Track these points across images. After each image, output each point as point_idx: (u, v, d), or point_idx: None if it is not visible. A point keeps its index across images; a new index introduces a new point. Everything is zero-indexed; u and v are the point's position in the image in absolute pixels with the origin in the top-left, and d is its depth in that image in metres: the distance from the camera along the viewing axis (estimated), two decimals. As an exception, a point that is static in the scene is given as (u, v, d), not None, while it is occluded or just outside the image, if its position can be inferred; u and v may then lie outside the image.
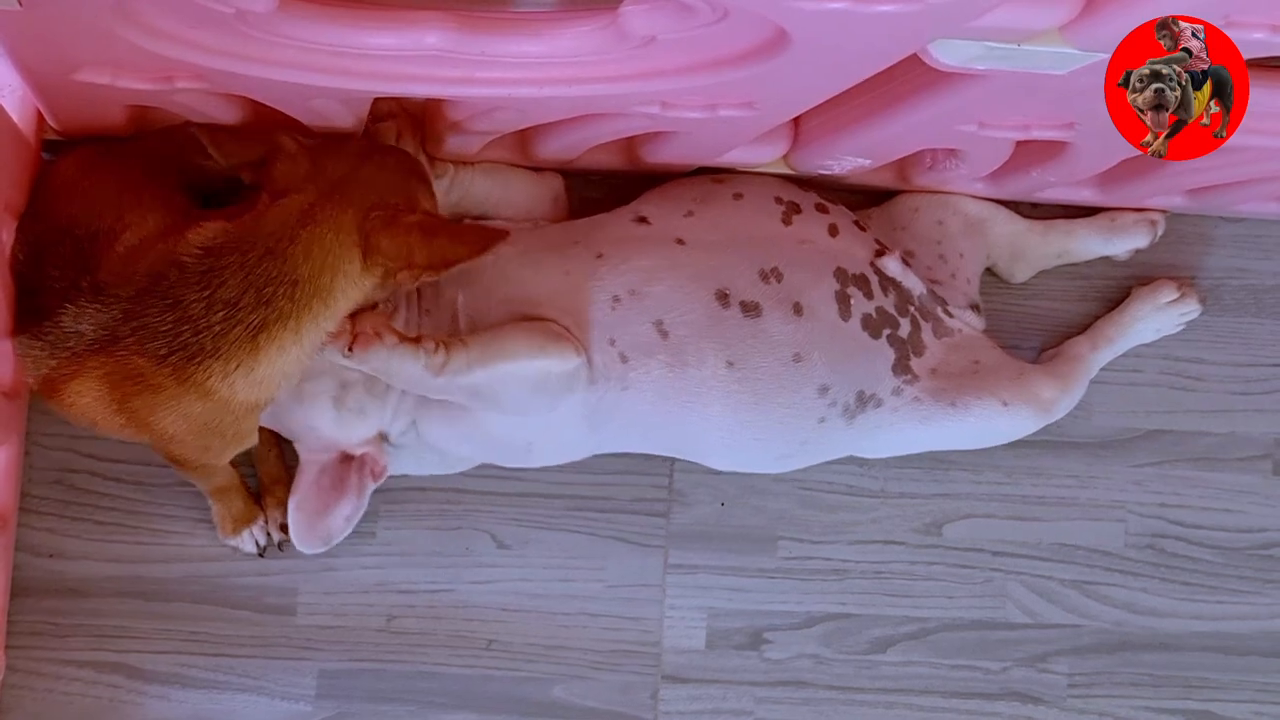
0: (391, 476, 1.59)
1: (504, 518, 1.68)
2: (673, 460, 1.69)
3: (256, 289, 1.31)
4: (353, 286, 1.34)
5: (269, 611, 1.65)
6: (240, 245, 1.32)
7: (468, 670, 1.67)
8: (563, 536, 1.69)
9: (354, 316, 1.38)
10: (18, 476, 1.60)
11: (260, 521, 1.62)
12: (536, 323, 1.48)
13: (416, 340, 1.42)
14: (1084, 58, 1.16)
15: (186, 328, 1.31)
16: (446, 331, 1.49)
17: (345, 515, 1.55)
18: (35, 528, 1.63)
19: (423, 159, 1.53)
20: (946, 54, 1.17)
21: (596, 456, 1.61)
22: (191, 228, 1.34)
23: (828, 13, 1.07)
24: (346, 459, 1.54)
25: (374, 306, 1.41)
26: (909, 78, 1.31)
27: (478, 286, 1.49)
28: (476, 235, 1.38)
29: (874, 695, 1.72)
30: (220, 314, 1.31)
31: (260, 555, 1.63)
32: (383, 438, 1.54)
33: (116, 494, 1.64)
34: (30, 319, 1.39)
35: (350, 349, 1.38)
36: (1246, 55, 1.18)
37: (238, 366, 1.32)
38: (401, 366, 1.41)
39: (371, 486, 1.55)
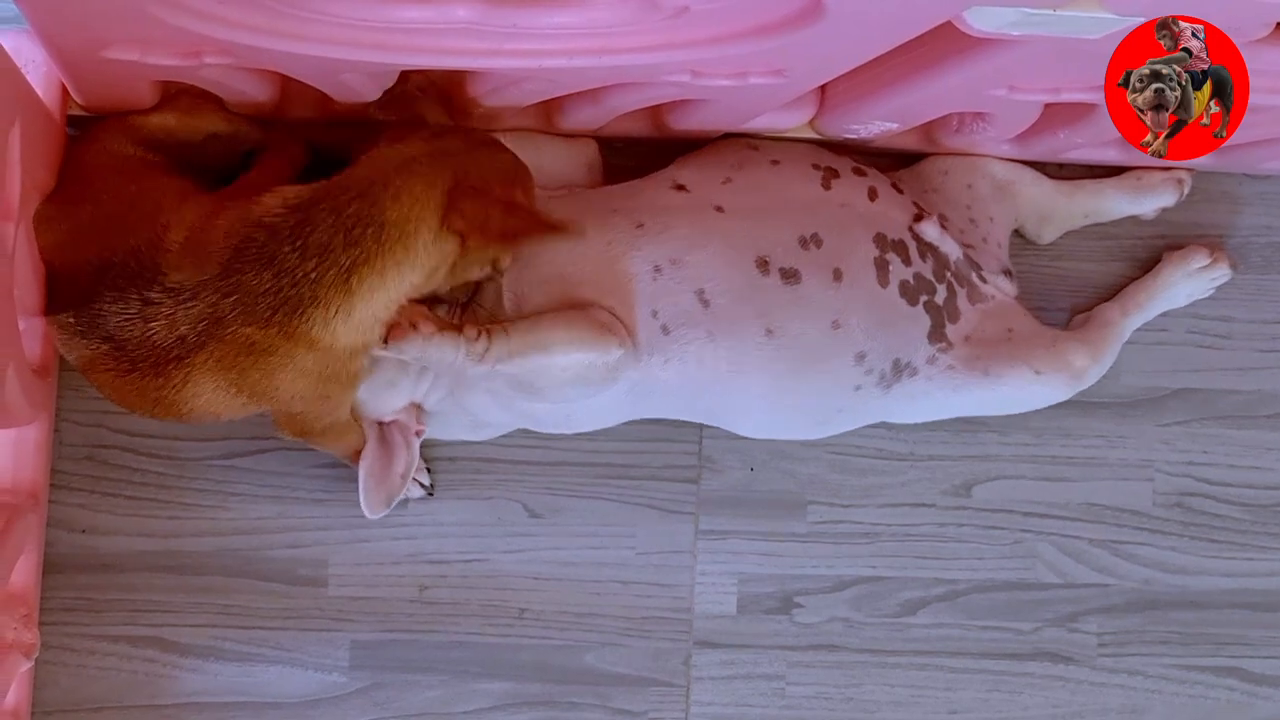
0: (423, 445, 1.59)
1: (535, 487, 1.68)
2: (702, 426, 1.69)
3: (346, 230, 1.33)
4: (431, 244, 1.35)
5: (301, 584, 1.66)
6: (333, 193, 1.35)
7: (500, 639, 1.68)
8: (593, 504, 1.69)
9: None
10: (48, 453, 1.60)
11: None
12: (580, 312, 1.47)
13: (458, 329, 1.42)
14: (1119, 22, 1.15)
15: (285, 280, 1.33)
16: (492, 306, 1.49)
17: (400, 473, 1.54)
18: (67, 504, 1.63)
19: None
20: (981, 20, 1.17)
21: (627, 424, 1.61)
22: (265, 194, 1.36)
23: (864, -18, 1.07)
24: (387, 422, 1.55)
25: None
26: (940, 43, 1.30)
27: (520, 261, 1.49)
28: (552, 220, 1.40)
29: (905, 658, 1.72)
30: (314, 260, 1.32)
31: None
32: (417, 407, 1.54)
33: (148, 469, 1.64)
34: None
35: (385, 340, 1.38)
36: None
37: (336, 311, 1.34)
38: (441, 355, 1.41)
39: (416, 442, 1.55)
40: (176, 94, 1.48)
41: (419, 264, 1.36)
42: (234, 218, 1.36)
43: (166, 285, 1.35)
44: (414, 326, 1.39)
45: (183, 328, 1.35)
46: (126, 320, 1.37)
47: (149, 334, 1.36)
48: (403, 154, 1.37)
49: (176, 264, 1.36)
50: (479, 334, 1.42)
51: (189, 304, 1.35)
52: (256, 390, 1.39)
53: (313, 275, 1.33)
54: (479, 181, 1.38)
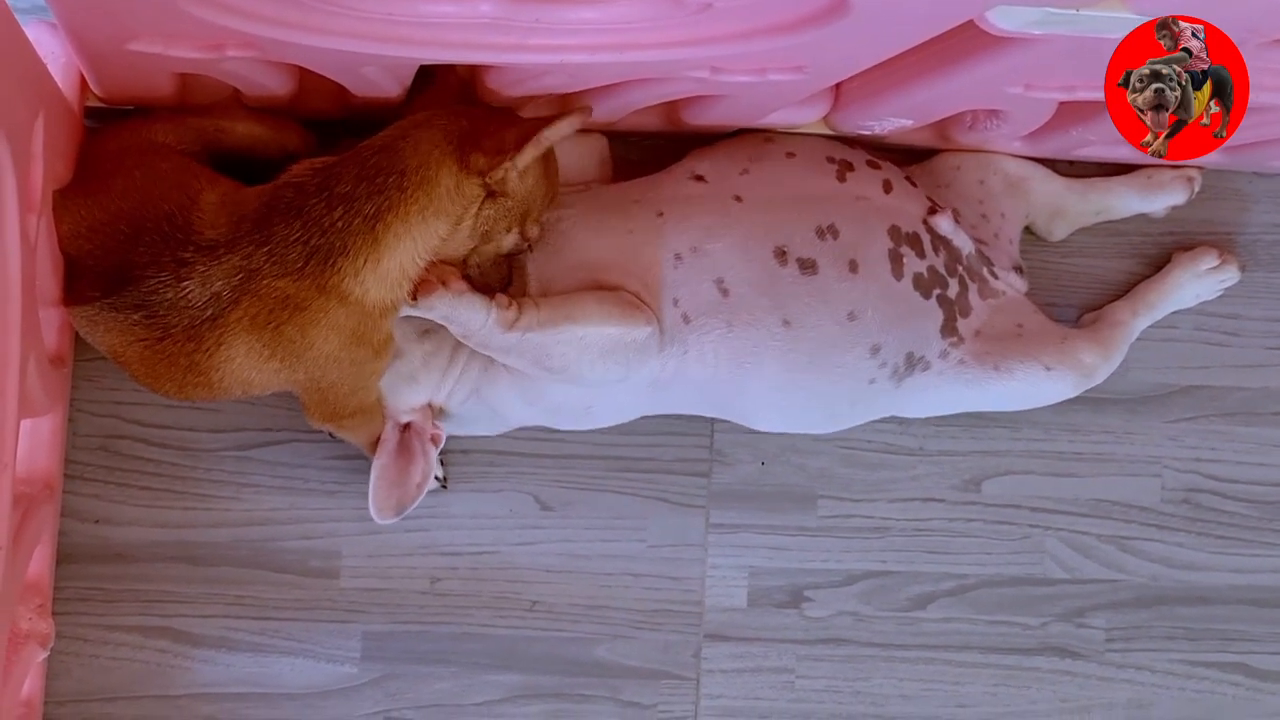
0: (433, 437, 1.60)
1: (547, 480, 1.69)
2: (713, 420, 1.69)
3: (369, 179, 1.36)
4: (454, 190, 1.38)
5: (313, 575, 1.66)
6: (357, 151, 1.38)
7: (511, 631, 1.68)
8: (605, 497, 1.70)
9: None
10: (63, 443, 1.60)
11: None
12: (609, 291, 1.48)
13: (490, 296, 1.43)
14: (1142, 22, 1.16)
15: (314, 229, 1.35)
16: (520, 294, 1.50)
17: (417, 482, 1.55)
18: (81, 494, 1.63)
19: None
20: (1004, 19, 1.17)
21: (639, 418, 1.62)
22: (292, 165, 1.41)
23: (891, -20, 1.08)
24: (405, 427, 1.55)
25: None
26: (959, 41, 1.31)
27: (545, 251, 1.50)
28: (563, 113, 1.43)
29: (914, 652, 1.73)
30: (339, 209, 1.35)
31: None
32: (435, 409, 1.54)
33: (161, 459, 1.64)
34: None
35: (414, 295, 1.39)
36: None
37: (365, 261, 1.36)
38: (470, 316, 1.42)
39: (434, 451, 1.56)
40: (239, 103, 1.52)
41: (443, 211, 1.38)
42: (265, 186, 1.40)
43: (200, 243, 1.37)
44: (444, 284, 1.40)
45: (217, 284, 1.36)
46: (160, 284, 1.37)
47: (183, 294, 1.37)
48: (419, 116, 1.41)
49: (211, 221, 1.38)
50: (510, 302, 1.44)
51: (224, 258, 1.36)
52: (290, 351, 1.39)
53: (339, 224, 1.35)
54: (494, 125, 1.41)
